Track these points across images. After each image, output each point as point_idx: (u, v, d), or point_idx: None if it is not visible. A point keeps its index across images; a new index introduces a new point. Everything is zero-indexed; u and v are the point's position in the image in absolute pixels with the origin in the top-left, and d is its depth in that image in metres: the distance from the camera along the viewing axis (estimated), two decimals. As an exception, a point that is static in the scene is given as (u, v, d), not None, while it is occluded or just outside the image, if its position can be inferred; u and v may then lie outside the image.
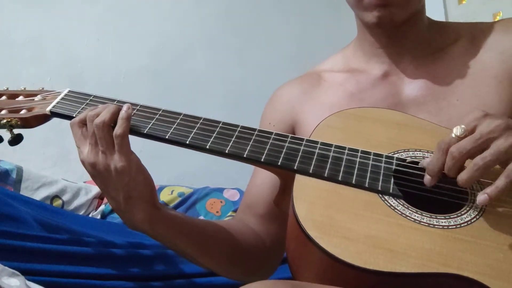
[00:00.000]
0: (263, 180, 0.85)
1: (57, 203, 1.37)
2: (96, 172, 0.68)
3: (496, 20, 0.85)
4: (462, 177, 0.57)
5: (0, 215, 0.87)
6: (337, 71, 0.86)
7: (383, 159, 0.65)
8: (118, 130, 0.67)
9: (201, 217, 1.49)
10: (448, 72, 0.77)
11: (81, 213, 1.40)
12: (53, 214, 1.08)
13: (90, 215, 1.41)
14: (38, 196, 1.34)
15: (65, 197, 1.40)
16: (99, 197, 1.49)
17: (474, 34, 0.79)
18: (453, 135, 0.58)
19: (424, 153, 0.66)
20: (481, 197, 0.56)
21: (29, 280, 0.74)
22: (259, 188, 0.85)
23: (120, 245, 1.00)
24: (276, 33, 2.12)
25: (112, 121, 0.68)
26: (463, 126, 0.58)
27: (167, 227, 0.71)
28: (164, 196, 1.52)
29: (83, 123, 0.69)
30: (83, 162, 0.69)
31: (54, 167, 1.78)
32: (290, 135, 0.69)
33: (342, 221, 0.58)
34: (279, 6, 2.13)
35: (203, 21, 2.07)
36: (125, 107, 0.69)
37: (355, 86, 0.81)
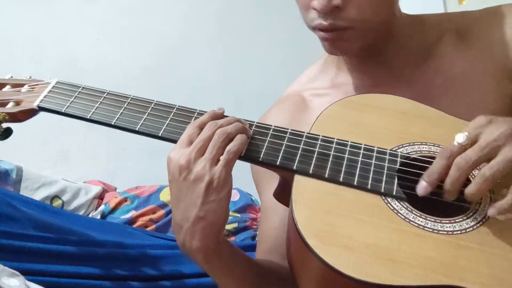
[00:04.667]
0: (281, 221, 0.76)
1: (57, 203, 1.37)
2: (181, 177, 0.60)
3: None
4: (469, 190, 0.54)
5: (0, 215, 0.87)
6: (322, 88, 0.81)
7: (387, 156, 0.62)
8: (234, 146, 0.61)
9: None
10: (438, 73, 0.74)
11: (81, 213, 1.40)
12: (53, 214, 1.08)
13: (90, 215, 1.41)
14: (38, 196, 1.34)
15: (65, 197, 1.39)
16: (99, 197, 1.49)
17: (459, 28, 0.75)
18: (456, 143, 0.55)
19: (430, 146, 0.63)
20: (491, 211, 0.54)
21: (29, 280, 0.74)
22: (279, 230, 0.76)
23: (120, 245, 0.99)
24: (276, 33, 2.12)
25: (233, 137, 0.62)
26: (465, 133, 0.55)
27: (221, 264, 0.64)
28: (164, 196, 1.51)
29: (201, 127, 0.63)
30: (171, 161, 0.62)
31: (54, 167, 1.77)
32: (290, 130, 0.66)
33: (343, 228, 0.56)
34: (279, 6, 2.13)
35: (203, 21, 2.06)
36: (250, 132, 0.65)
37: None
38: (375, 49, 0.75)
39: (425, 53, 0.75)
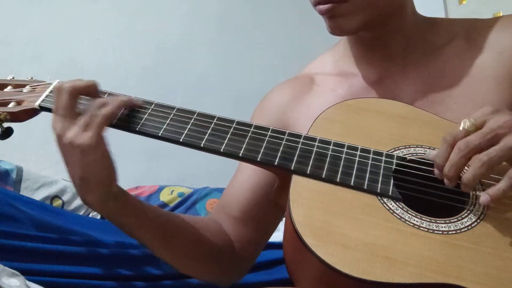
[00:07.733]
0: (243, 182, 0.83)
1: (57, 203, 1.37)
2: (60, 143, 0.66)
3: (495, 19, 0.82)
4: (466, 175, 0.55)
5: (0, 215, 0.87)
6: (329, 74, 0.83)
7: (383, 158, 0.63)
8: (108, 109, 0.66)
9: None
10: (444, 74, 0.74)
11: (81, 213, 1.40)
12: (53, 214, 1.08)
13: (90, 215, 1.41)
14: (38, 196, 1.34)
15: (65, 197, 1.39)
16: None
17: (470, 33, 0.76)
18: (461, 128, 0.56)
19: (425, 149, 0.64)
20: (483, 197, 0.55)
21: (29, 280, 0.74)
22: (236, 190, 0.83)
23: (122, 244, 1.00)
24: (276, 34, 2.12)
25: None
26: (471, 119, 0.56)
27: (120, 215, 0.70)
28: (164, 196, 1.51)
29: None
30: (53, 129, 0.67)
31: (54, 167, 1.77)
32: (288, 131, 0.66)
33: (340, 227, 0.56)
34: (279, 6, 2.13)
35: (203, 22, 2.07)
36: (131, 98, 0.70)
37: (348, 91, 0.78)
38: (381, 40, 0.76)
39: (432, 53, 0.76)
